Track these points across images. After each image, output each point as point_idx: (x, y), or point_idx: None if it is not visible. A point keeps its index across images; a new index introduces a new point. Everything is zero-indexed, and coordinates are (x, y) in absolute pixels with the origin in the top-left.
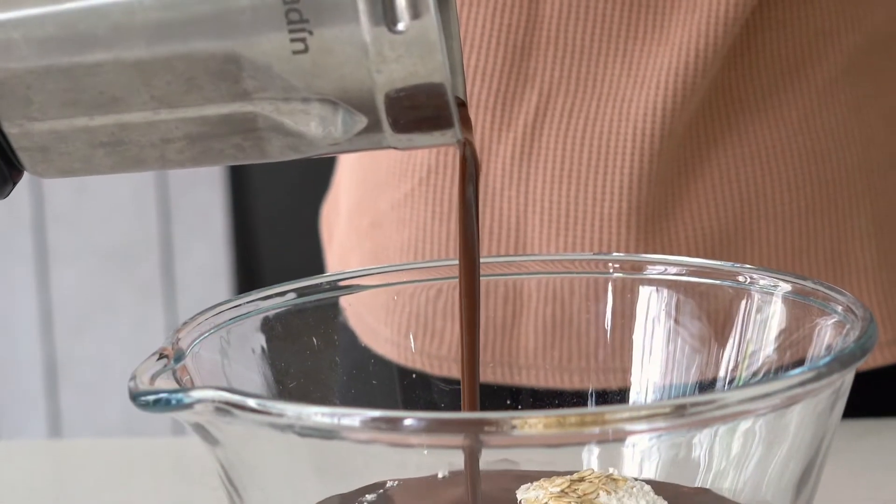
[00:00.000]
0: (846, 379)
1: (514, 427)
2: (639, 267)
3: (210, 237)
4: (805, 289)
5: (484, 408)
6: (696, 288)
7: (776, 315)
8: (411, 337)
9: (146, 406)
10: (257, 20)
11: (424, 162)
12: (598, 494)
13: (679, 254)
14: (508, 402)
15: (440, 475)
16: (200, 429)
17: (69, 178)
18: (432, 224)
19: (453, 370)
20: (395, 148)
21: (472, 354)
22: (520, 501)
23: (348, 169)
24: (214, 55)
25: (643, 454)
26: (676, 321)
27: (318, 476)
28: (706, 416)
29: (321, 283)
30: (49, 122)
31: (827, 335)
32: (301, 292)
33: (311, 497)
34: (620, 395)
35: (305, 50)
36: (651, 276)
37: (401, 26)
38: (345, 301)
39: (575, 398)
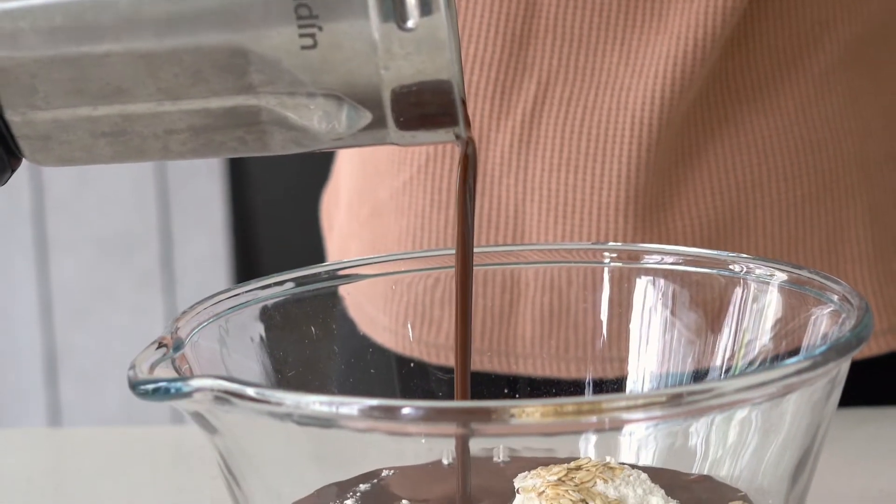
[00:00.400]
0: (842, 368)
1: (511, 416)
2: (636, 256)
3: (209, 227)
4: (801, 278)
5: (482, 396)
6: (692, 277)
7: (772, 304)
8: (409, 326)
9: (145, 395)
10: (267, 15)
11: (423, 151)
12: (595, 483)
13: (676, 243)
14: (506, 390)
15: (444, 462)
16: (199, 417)
17: (69, 169)
18: (431, 212)
19: (451, 359)
20: (396, 144)
21: (464, 344)
22: (517, 490)
23: (347, 158)
24: (222, 48)
25: (640, 443)
26: (673, 310)
27: (317, 464)
28: (703, 405)
29: (319, 273)
30: (52, 112)
31: (823, 324)
32: (299, 282)
33: (310, 485)
34: (617, 384)
35: (314, 45)
36: (648, 266)
37: (410, 23)
38: (343, 290)
39: (572, 387)
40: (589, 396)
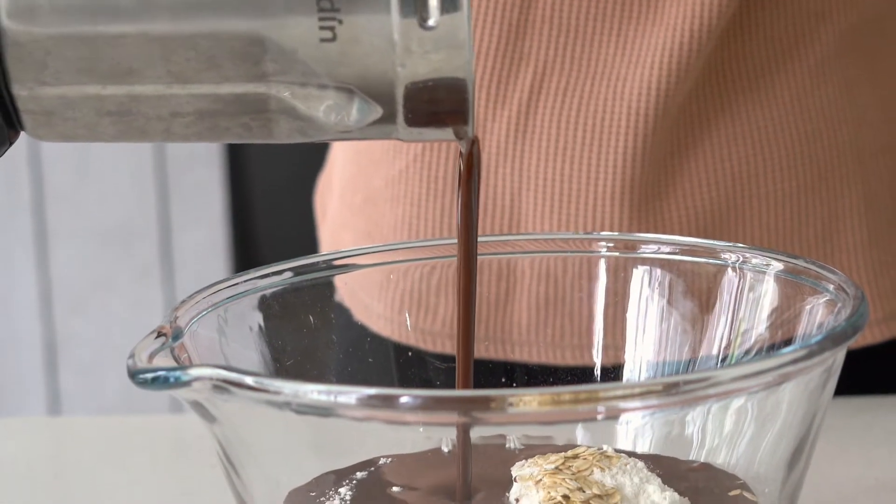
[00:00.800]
0: (837, 357)
1: (510, 405)
2: (631, 246)
3: (208, 217)
4: (797, 267)
5: (478, 384)
6: (688, 266)
7: (768, 294)
8: (406, 313)
9: (144, 384)
10: (289, 5)
11: None
12: (592, 471)
13: (672, 232)
14: (503, 378)
15: (444, 449)
16: (198, 406)
17: (69, 160)
18: (427, 201)
19: (447, 346)
20: (402, 140)
21: (467, 333)
22: (514, 478)
23: (342, 147)
24: (240, 36)
25: (637, 431)
26: (669, 299)
27: (315, 453)
28: (699, 394)
29: (318, 262)
30: (60, 88)
31: (818, 313)
32: (298, 271)
33: (308, 473)
34: (614, 373)
35: (333, 38)
36: (644, 255)
37: (431, 22)
38: (340, 280)
39: (568, 374)
40: (586, 385)
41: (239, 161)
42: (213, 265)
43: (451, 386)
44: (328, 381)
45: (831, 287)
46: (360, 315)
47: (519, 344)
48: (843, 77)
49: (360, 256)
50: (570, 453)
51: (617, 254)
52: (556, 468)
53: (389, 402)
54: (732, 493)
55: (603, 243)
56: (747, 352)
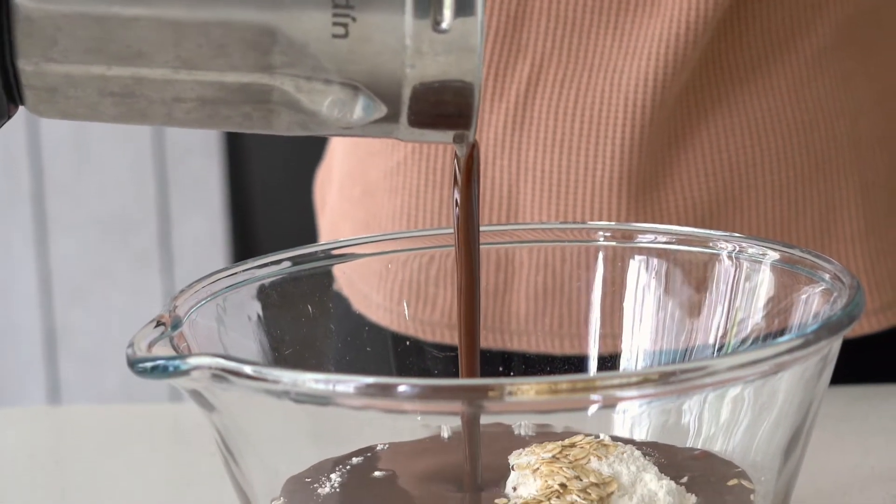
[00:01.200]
0: (833, 346)
1: (508, 394)
2: (629, 235)
3: (207, 206)
4: (793, 257)
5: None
6: (685, 256)
7: (764, 283)
8: (404, 303)
9: (144, 373)
10: None
11: None
12: (589, 460)
13: (669, 222)
14: (500, 367)
15: (444, 436)
16: (197, 395)
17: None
18: (425, 191)
19: (446, 336)
20: (401, 139)
21: (471, 324)
22: (512, 466)
23: (341, 138)
24: (252, 26)
25: (634, 420)
26: (666, 289)
27: (314, 441)
28: (695, 383)
29: (316, 252)
30: (66, 66)
31: (814, 303)
32: (296, 261)
33: (307, 462)
34: (612, 361)
35: (345, 35)
36: (641, 245)
37: (445, 25)
38: (338, 269)
39: (566, 364)
40: (583, 374)
41: (238, 151)
42: (212, 255)
43: (449, 375)
44: (326, 371)
45: (827, 276)
46: (359, 305)
47: (517, 333)
48: (839, 68)
49: (359, 246)
50: (567, 442)
51: (614, 243)
52: (554, 457)
53: (387, 391)
54: (730, 482)
55: (600, 233)
56: (744, 341)
